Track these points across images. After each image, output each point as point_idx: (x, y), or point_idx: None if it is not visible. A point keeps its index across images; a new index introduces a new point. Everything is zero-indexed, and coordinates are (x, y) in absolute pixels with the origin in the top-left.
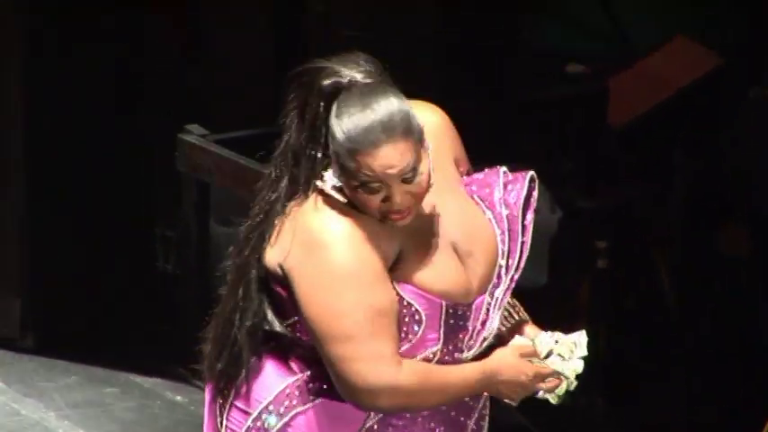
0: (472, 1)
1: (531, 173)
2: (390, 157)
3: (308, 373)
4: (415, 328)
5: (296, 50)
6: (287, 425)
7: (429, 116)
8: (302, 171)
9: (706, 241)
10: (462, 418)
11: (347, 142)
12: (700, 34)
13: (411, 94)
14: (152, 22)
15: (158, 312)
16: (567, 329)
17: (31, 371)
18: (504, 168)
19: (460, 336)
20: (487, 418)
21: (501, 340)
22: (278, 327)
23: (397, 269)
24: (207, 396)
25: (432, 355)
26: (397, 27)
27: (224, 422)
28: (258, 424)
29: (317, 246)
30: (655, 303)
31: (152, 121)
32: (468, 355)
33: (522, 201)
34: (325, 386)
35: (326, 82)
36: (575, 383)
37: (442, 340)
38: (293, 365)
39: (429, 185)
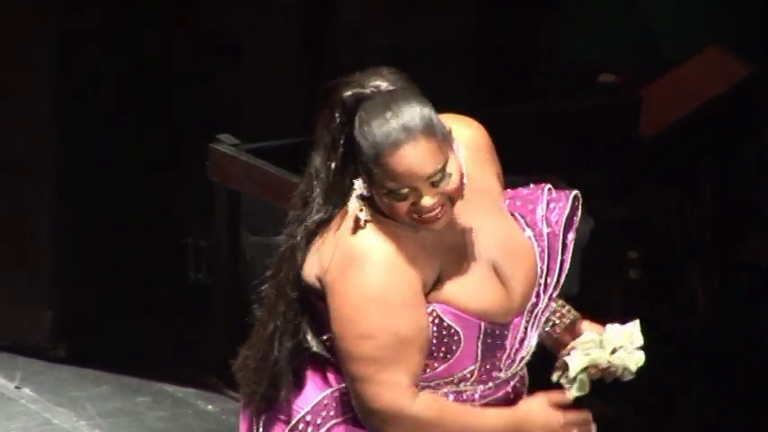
0: (503, 11)
1: (576, 192)
2: (413, 157)
3: (345, 384)
4: (453, 347)
5: (326, 61)
6: None
7: (468, 130)
8: (333, 187)
9: (735, 251)
10: None
11: (370, 148)
12: (730, 44)
13: (440, 103)
14: (182, 33)
15: (190, 322)
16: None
17: (63, 380)
18: (548, 186)
19: (498, 355)
20: None
21: (557, 342)
22: (316, 347)
23: (436, 289)
24: (244, 419)
25: (469, 374)
26: (427, 37)
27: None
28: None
29: (353, 264)
30: (687, 314)
31: (183, 131)
32: (506, 374)
33: (564, 219)
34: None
35: (347, 93)
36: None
37: (479, 359)
38: (330, 377)
39: (461, 187)
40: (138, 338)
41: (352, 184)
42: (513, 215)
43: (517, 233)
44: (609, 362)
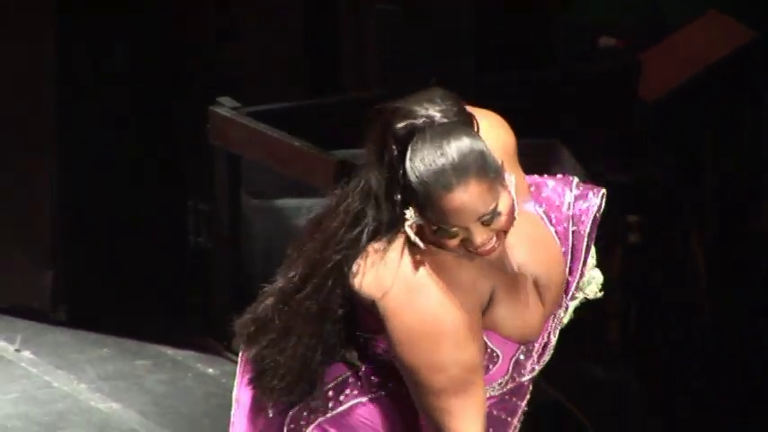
0: None
1: (603, 191)
2: (464, 200)
3: (372, 366)
4: (490, 366)
5: (326, 23)
6: (346, 413)
7: (501, 133)
8: (384, 213)
9: (738, 218)
10: (510, 419)
11: (420, 187)
12: (732, 8)
13: (442, 69)
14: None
15: (190, 285)
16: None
17: (63, 343)
18: (576, 180)
19: (525, 364)
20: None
21: None
22: (354, 360)
23: (487, 313)
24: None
25: (498, 385)
26: (427, 3)
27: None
28: (314, 405)
29: (418, 292)
30: (686, 279)
31: (183, 94)
32: (529, 377)
33: (590, 219)
34: (389, 383)
35: (400, 125)
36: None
37: (510, 372)
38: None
39: (512, 220)
40: (139, 301)
41: (405, 211)
42: (536, 211)
43: (550, 241)
44: None
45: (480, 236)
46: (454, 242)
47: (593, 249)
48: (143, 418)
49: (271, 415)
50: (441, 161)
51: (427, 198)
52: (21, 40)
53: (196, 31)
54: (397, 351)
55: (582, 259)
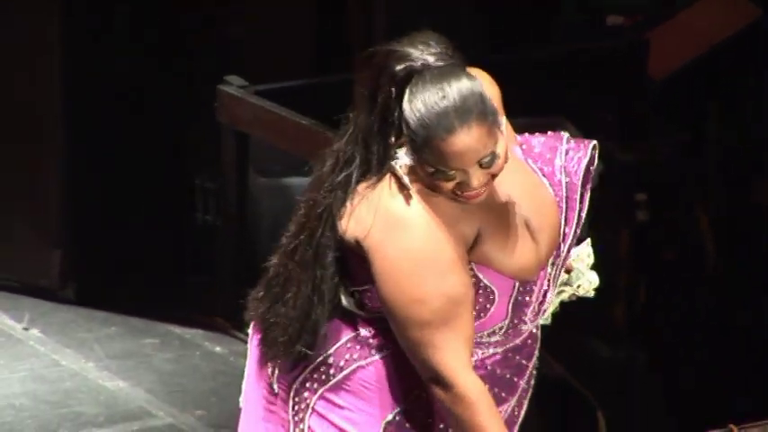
0: None
1: (594, 142)
2: (466, 143)
3: (371, 329)
4: (488, 306)
5: (336, 1)
6: (347, 377)
7: (487, 85)
8: (374, 154)
9: (744, 192)
10: (516, 379)
11: (421, 129)
12: None
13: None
14: None
15: (198, 263)
16: (605, 280)
17: (71, 321)
18: (566, 135)
19: (525, 309)
20: (533, 380)
21: None
22: (348, 305)
23: (475, 250)
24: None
25: (498, 329)
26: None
27: (275, 371)
28: (316, 375)
29: (397, 227)
30: (694, 255)
31: (191, 72)
32: (531, 326)
33: (582, 169)
34: (388, 345)
35: (399, 67)
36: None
37: (509, 316)
38: (358, 324)
39: (505, 164)
40: (146, 280)
41: (395, 151)
42: (528, 164)
43: (542, 187)
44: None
45: (477, 179)
46: (450, 185)
47: (589, 248)
48: (151, 396)
49: (277, 390)
50: (443, 103)
51: (428, 140)
52: (25, 13)
53: (202, 8)
54: (382, 290)
55: (577, 209)
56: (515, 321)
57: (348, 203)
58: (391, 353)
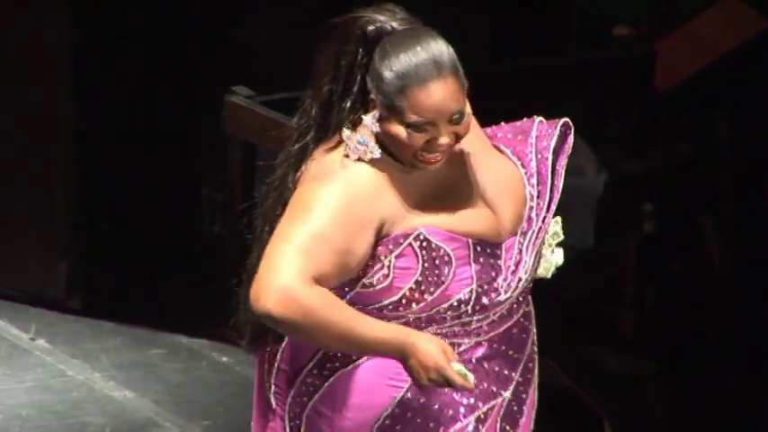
0: None
1: (565, 119)
2: (443, 91)
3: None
4: (446, 270)
5: (343, 10)
6: (332, 385)
7: None
8: (333, 119)
9: (753, 204)
10: (508, 371)
11: (397, 80)
12: None
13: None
14: None
15: (205, 273)
16: (612, 290)
17: (78, 332)
18: (539, 118)
19: (494, 275)
20: (536, 371)
21: None
22: None
23: (422, 214)
24: (256, 362)
25: (467, 296)
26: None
27: (272, 386)
28: (304, 388)
29: (324, 179)
30: (701, 266)
31: (198, 83)
32: (506, 296)
33: (552, 144)
34: None
35: (370, 28)
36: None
37: (475, 280)
38: None
39: (467, 130)
40: (153, 290)
41: (361, 117)
42: (498, 148)
43: (500, 160)
44: None
45: (446, 135)
46: (420, 140)
47: (557, 227)
48: (158, 406)
49: (274, 406)
50: (421, 54)
51: (405, 89)
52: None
53: (208, 17)
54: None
55: (548, 184)
56: (485, 288)
57: (302, 168)
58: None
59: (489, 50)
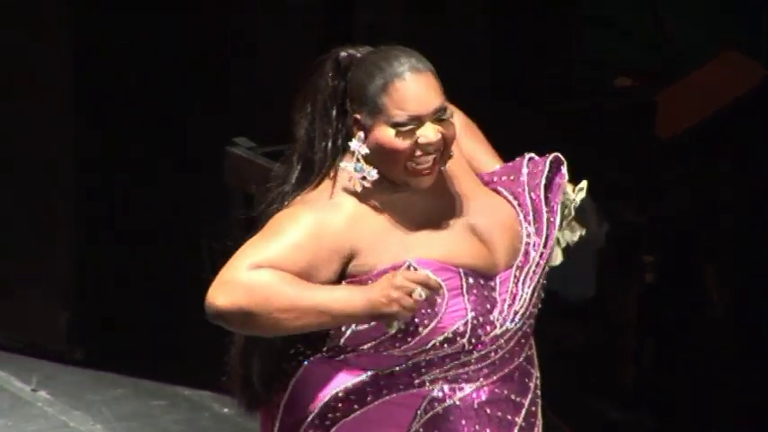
0: (519, 11)
1: (555, 154)
2: (422, 85)
3: (351, 383)
4: (438, 300)
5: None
6: None
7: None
8: (316, 155)
9: (756, 254)
10: (511, 417)
11: (378, 79)
12: (746, 46)
13: (457, 105)
14: (197, 33)
15: (205, 324)
16: (613, 342)
17: (79, 383)
18: (530, 155)
19: (488, 307)
20: (539, 416)
21: None
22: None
23: (413, 245)
24: (260, 417)
25: (462, 328)
26: (442, 40)
27: None
28: None
29: (305, 204)
30: (702, 318)
31: (199, 133)
32: (502, 329)
33: (543, 180)
34: (368, 397)
35: (342, 55)
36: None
37: (469, 311)
38: (337, 373)
39: (453, 140)
40: (154, 341)
41: (341, 149)
42: (496, 191)
43: (494, 197)
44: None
45: (433, 132)
46: (406, 144)
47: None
48: None
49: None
50: (399, 57)
51: (386, 86)
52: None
53: (209, 68)
54: None
55: (545, 219)
56: (481, 320)
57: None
58: (376, 404)
59: (489, 95)
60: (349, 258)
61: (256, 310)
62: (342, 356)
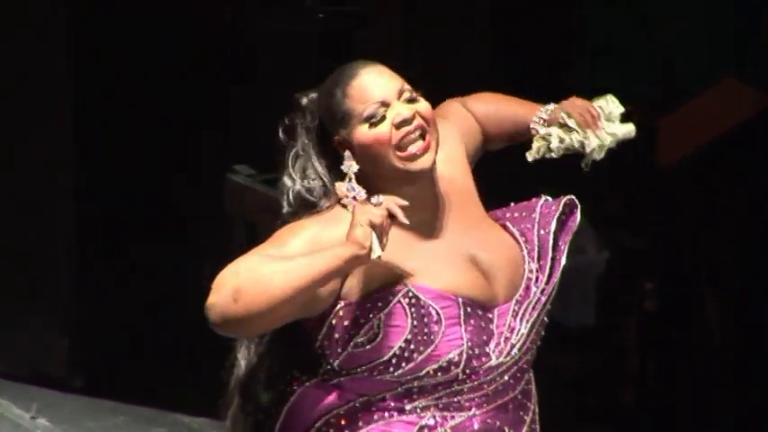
0: (520, 41)
1: (568, 197)
2: (375, 74)
3: (343, 408)
4: (435, 328)
5: None
6: None
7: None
8: (314, 182)
9: (755, 280)
10: None
11: (336, 90)
12: (746, 75)
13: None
14: (198, 58)
15: (205, 352)
16: (613, 370)
17: (79, 410)
18: (546, 197)
19: (484, 338)
20: None
21: None
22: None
23: (411, 270)
24: None
25: (457, 358)
26: (443, 74)
27: None
28: None
29: (309, 217)
30: (703, 344)
31: (200, 161)
32: (497, 362)
33: (554, 220)
34: (359, 422)
35: (303, 99)
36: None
37: (465, 341)
38: (330, 398)
39: (433, 116)
40: (154, 369)
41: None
42: (505, 227)
43: (498, 230)
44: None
45: (404, 108)
46: (386, 132)
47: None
48: None
49: None
50: (347, 65)
51: (345, 91)
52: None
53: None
54: None
55: (549, 257)
56: (477, 351)
57: None
58: (367, 430)
59: None
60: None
61: (245, 283)
62: (336, 380)
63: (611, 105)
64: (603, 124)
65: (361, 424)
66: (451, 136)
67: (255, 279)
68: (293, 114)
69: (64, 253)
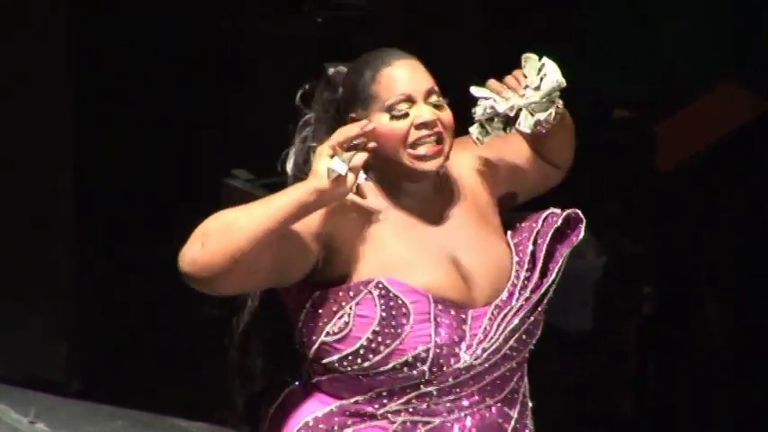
0: (516, 42)
1: (575, 211)
2: (409, 68)
3: (320, 412)
4: (403, 321)
5: None
6: None
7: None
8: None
9: (755, 283)
10: None
11: (367, 72)
12: (746, 75)
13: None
14: (198, 59)
15: (204, 356)
16: (612, 374)
17: (77, 415)
18: (553, 209)
19: (455, 338)
20: None
21: None
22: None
23: (386, 261)
24: None
25: (424, 353)
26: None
27: None
28: None
29: None
30: (703, 344)
31: (198, 165)
32: (466, 364)
33: (551, 231)
34: (335, 426)
35: (331, 70)
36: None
37: (433, 338)
38: (309, 402)
39: (452, 126)
40: (153, 373)
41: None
42: (505, 237)
43: (491, 235)
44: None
45: (427, 111)
46: (403, 127)
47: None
48: None
49: None
50: (384, 50)
51: (375, 75)
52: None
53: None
54: None
55: (539, 267)
56: (445, 351)
57: None
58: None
59: None
60: (327, 243)
61: (211, 227)
62: (315, 379)
63: (528, 66)
64: (528, 82)
65: (336, 429)
66: (495, 147)
67: (221, 221)
68: (316, 83)
69: (64, 253)
